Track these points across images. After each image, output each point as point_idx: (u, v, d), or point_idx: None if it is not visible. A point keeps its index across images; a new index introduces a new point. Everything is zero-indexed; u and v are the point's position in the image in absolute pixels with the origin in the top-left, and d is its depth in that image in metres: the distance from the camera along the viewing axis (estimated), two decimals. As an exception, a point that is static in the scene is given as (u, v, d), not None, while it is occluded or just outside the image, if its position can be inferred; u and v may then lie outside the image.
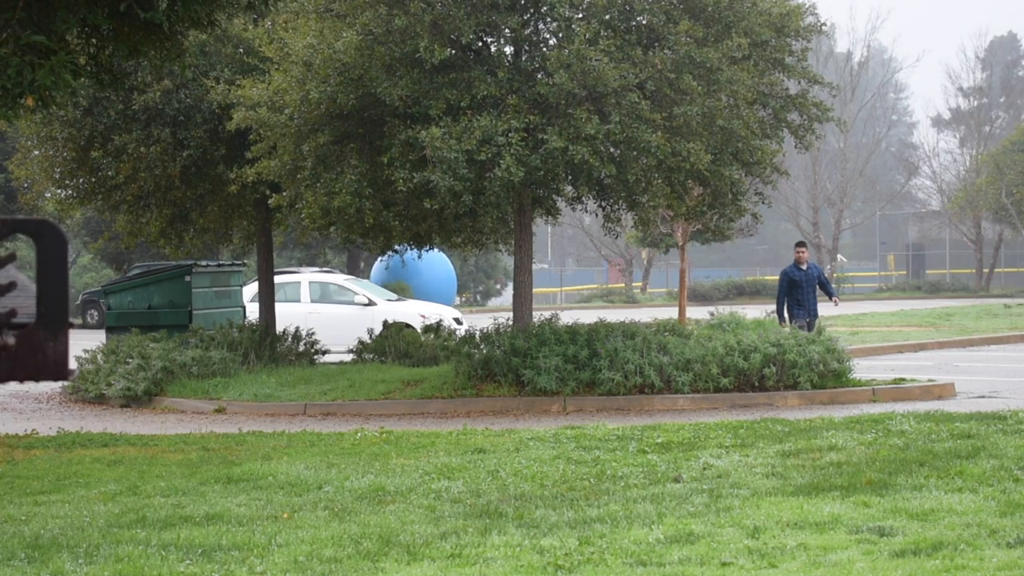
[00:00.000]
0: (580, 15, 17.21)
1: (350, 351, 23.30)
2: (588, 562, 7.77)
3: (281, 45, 18.26)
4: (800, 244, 21.17)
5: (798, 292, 20.24)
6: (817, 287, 20.57)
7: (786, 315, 20.23)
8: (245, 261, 31.11)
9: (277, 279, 25.43)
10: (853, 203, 70.03)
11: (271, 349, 21.47)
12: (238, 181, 19.50)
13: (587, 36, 16.53)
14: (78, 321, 41.94)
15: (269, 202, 19.36)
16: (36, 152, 21.40)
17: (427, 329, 23.20)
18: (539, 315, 19.49)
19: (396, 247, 21.31)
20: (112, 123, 20.10)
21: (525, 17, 17.50)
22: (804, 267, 20.39)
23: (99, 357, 20.66)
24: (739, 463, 11.13)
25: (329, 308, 27.40)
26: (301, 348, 22.26)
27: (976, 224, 61.73)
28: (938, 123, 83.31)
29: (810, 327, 19.79)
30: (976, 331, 29.86)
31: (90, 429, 15.92)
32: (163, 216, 21.28)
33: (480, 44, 17.85)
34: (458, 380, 18.21)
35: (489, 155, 16.28)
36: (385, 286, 32.42)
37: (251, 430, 15.48)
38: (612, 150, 17.00)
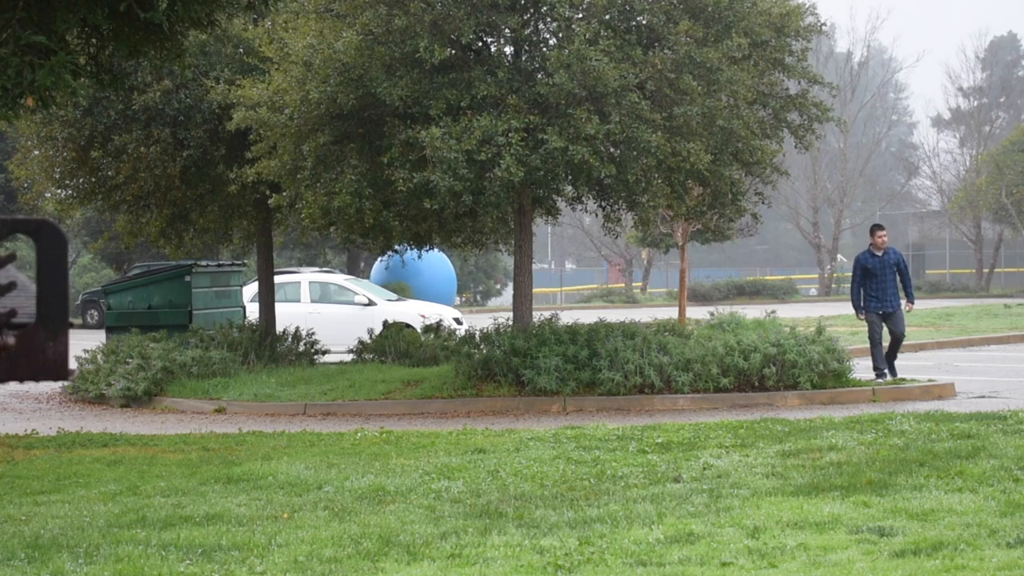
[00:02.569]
0: (580, 15, 17.22)
1: (350, 351, 23.30)
2: (588, 562, 7.77)
3: (281, 45, 18.26)
4: (876, 227, 18.77)
5: (872, 282, 18.26)
6: (897, 278, 18.44)
7: (861, 305, 18.41)
8: (245, 261, 31.12)
9: (277, 279, 25.43)
10: (853, 203, 70.06)
11: (271, 349, 21.47)
12: (238, 181, 19.50)
13: (587, 36, 16.53)
14: (78, 321, 41.94)
15: (269, 202, 19.36)
16: (36, 152, 21.40)
17: (427, 329, 23.20)
18: (539, 315, 19.49)
19: (396, 247, 21.31)
20: (112, 123, 20.10)
21: (525, 17, 17.50)
22: (880, 253, 18.29)
23: (99, 357, 20.67)
24: (739, 463, 11.13)
25: (329, 308, 27.41)
26: (301, 348, 22.26)
27: (976, 224, 61.76)
28: (938, 123, 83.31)
29: (889, 321, 18.26)
30: (976, 331, 29.87)
31: (90, 429, 15.92)
32: (163, 216, 21.28)
33: (480, 44, 17.86)
34: (458, 380, 18.21)
35: (489, 155, 16.28)
36: (385, 286, 32.42)
37: (251, 430, 15.48)
38: (612, 150, 17.00)
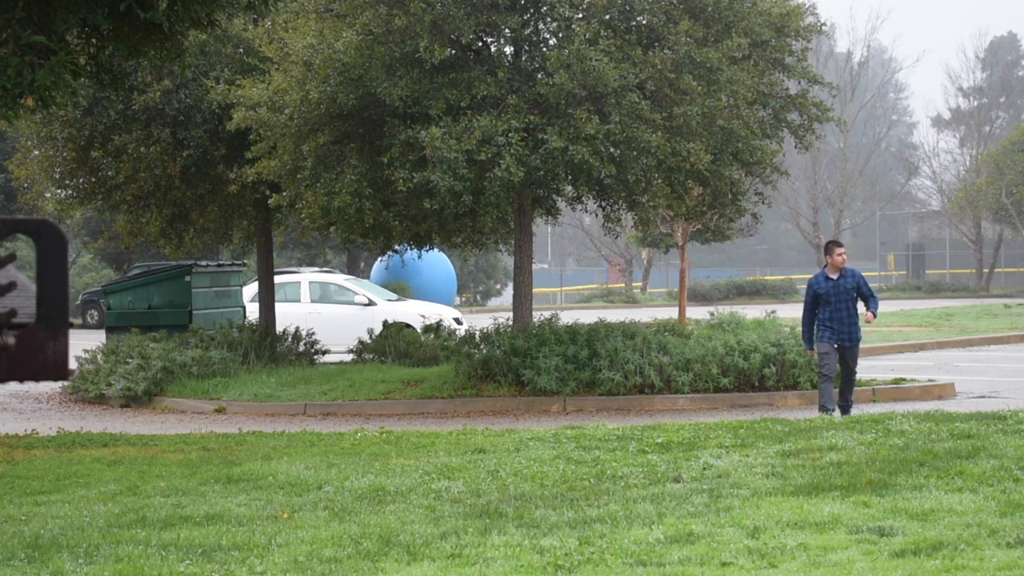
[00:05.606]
0: (580, 15, 17.22)
1: (350, 351, 23.30)
2: (588, 562, 7.76)
3: (281, 45, 18.26)
4: (834, 244, 15.76)
5: (825, 309, 15.27)
6: (856, 301, 15.41)
7: (814, 338, 15.46)
8: (245, 261, 31.12)
9: (277, 279, 25.43)
10: (853, 203, 70.08)
11: (271, 349, 21.47)
12: (238, 181, 19.50)
13: (587, 36, 16.54)
14: (78, 321, 41.94)
15: (269, 202, 19.36)
16: (36, 152, 21.41)
17: (427, 329, 23.20)
18: (539, 315, 19.49)
19: (396, 247, 21.31)
20: (112, 123, 20.10)
21: (525, 17, 17.50)
22: (835, 276, 15.31)
23: (99, 357, 20.67)
24: (739, 463, 11.12)
25: (329, 308, 27.41)
26: (301, 348, 22.26)
27: (976, 224, 61.77)
28: (938, 123, 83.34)
29: (844, 357, 15.31)
30: (976, 331, 29.88)
31: (90, 429, 15.92)
32: (163, 216, 21.29)
33: (480, 44, 17.86)
34: (458, 380, 18.22)
35: (489, 155, 16.28)
36: (385, 286, 32.42)
37: (251, 430, 15.47)
38: (612, 150, 17.01)
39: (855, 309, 15.36)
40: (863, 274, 15.82)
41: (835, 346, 15.20)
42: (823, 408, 15.12)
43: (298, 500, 10.08)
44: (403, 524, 8.98)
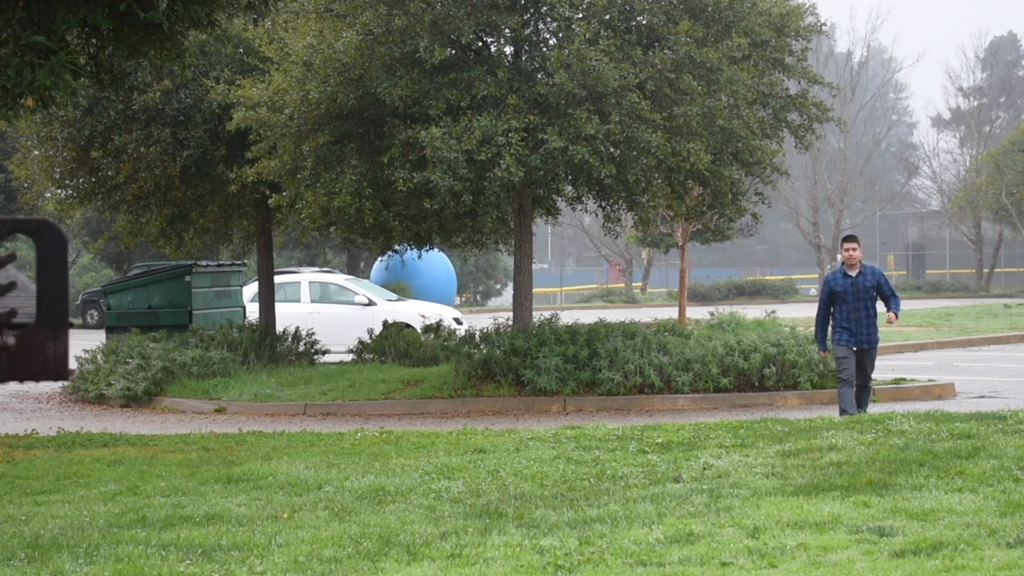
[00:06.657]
0: (580, 15, 17.22)
1: (350, 351, 23.31)
2: (588, 562, 7.76)
3: (281, 45, 18.27)
4: (845, 239, 14.65)
5: (842, 308, 14.24)
6: (876, 300, 14.41)
7: (827, 342, 14.67)
8: (245, 261, 31.11)
9: (277, 279, 25.43)
10: (853, 203, 70.08)
11: (271, 349, 21.47)
12: (238, 181, 19.50)
13: (587, 36, 16.54)
14: (78, 321, 41.93)
15: (269, 202, 19.37)
16: (36, 152, 21.42)
17: (427, 329, 23.20)
18: (539, 315, 19.50)
19: (396, 247, 21.32)
20: (112, 123, 20.10)
21: (525, 17, 17.51)
22: (853, 273, 14.27)
23: (99, 357, 20.67)
24: (739, 463, 11.12)
25: (329, 308, 27.41)
26: (301, 348, 22.26)
27: (976, 224, 61.79)
28: (938, 123, 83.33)
29: (862, 361, 14.35)
30: (976, 331, 29.90)
31: (90, 429, 15.92)
32: (163, 216, 21.29)
33: (480, 44, 17.86)
34: (458, 380, 18.22)
35: (489, 155, 16.29)
36: (385, 286, 32.42)
37: (251, 430, 15.47)
38: (612, 150, 17.01)
39: (874, 310, 14.34)
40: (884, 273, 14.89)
41: (853, 349, 14.24)
42: (843, 413, 14.09)
43: (298, 500, 10.08)
44: (403, 524, 8.98)
